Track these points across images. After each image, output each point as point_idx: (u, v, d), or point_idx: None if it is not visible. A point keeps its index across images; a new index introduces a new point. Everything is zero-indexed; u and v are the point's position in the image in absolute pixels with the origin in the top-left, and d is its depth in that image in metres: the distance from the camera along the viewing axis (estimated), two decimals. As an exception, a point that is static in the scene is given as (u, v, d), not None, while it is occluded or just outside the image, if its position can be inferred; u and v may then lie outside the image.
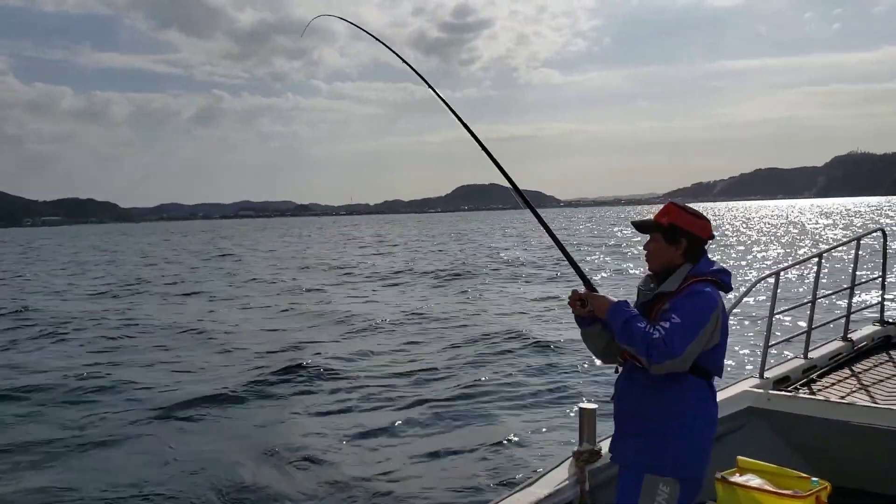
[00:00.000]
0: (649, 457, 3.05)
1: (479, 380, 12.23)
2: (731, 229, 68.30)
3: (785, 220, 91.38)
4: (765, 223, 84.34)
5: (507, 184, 3.58)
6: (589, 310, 3.15)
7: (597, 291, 3.18)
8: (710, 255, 3.26)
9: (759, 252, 37.76)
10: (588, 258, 36.19)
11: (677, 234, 3.14)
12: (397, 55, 4.12)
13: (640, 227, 3.27)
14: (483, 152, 3.62)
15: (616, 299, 3.09)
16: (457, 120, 3.74)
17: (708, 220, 3.20)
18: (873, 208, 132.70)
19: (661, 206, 3.41)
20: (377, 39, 4.21)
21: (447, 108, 3.79)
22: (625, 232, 67.07)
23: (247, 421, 9.91)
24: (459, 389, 11.48)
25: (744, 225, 79.74)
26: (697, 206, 3.37)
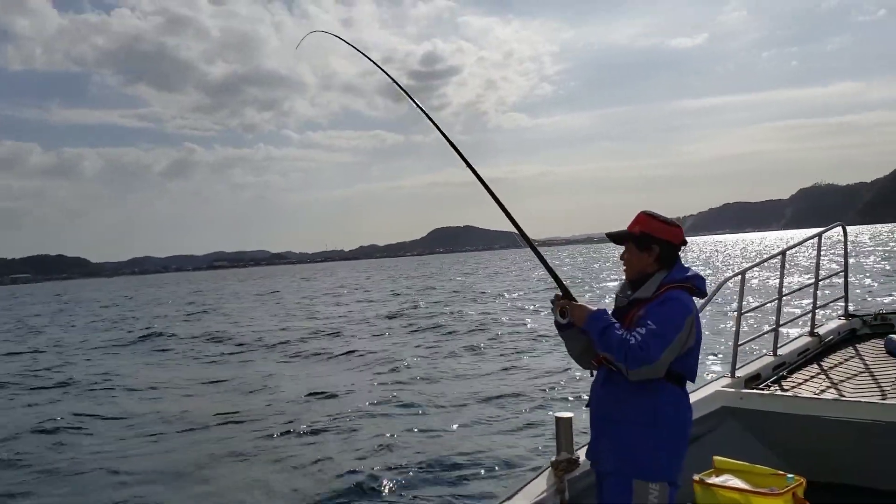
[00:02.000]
0: (634, 462, 3.07)
1: (452, 391, 12.39)
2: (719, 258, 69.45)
3: (761, 249, 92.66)
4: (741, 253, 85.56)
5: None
6: (569, 320, 3.20)
7: (576, 301, 3.22)
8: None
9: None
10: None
11: (649, 241, 3.21)
12: (390, 77, 4.14)
13: (615, 238, 3.35)
14: (481, 185, 3.59)
15: (595, 308, 3.13)
16: (457, 154, 3.71)
17: (679, 227, 3.26)
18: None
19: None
20: (377, 65, 4.26)
21: (447, 142, 3.78)
22: (605, 265, 68.40)
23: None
24: (433, 402, 11.58)
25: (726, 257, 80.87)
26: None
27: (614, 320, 3.10)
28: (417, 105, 3.94)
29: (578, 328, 3.20)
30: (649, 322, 2.98)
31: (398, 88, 3.99)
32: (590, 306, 3.15)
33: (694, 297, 3.19)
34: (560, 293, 3.27)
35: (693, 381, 3.30)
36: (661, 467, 3.06)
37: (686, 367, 3.12)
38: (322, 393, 13.48)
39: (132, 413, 12.99)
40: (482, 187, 3.56)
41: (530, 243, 3.49)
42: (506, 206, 3.52)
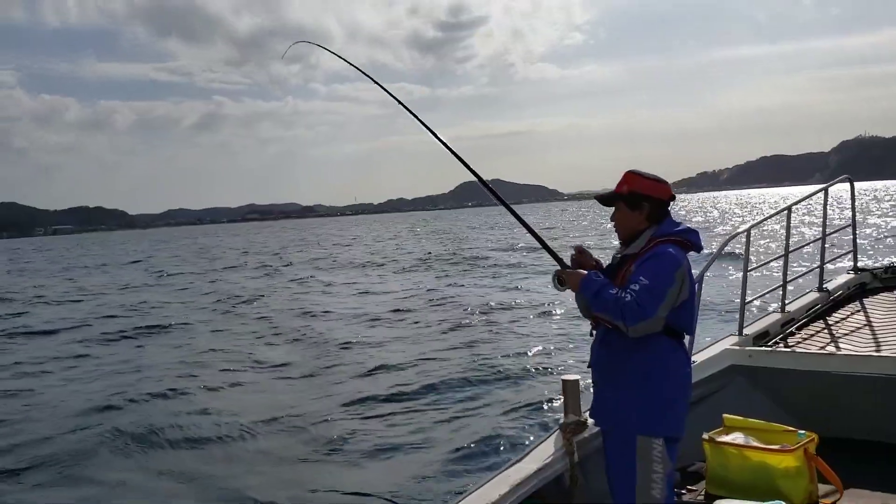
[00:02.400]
0: (636, 418, 3.10)
1: (458, 358, 12.47)
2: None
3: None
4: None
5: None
6: (566, 287, 3.25)
7: (570, 268, 3.29)
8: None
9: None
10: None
11: (639, 199, 3.21)
12: (359, 69, 4.26)
13: (604, 200, 3.35)
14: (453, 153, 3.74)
15: (587, 272, 3.18)
16: (421, 124, 3.85)
17: (666, 183, 3.27)
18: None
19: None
20: (366, 74, 4.21)
21: (412, 114, 3.91)
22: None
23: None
24: (440, 371, 11.60)
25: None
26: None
27: (606, 280, 3.11)
28: (412, 114, 3.95)
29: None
30: (641, 277, 3.01)
31: (391, 98, 3.93)
32: (581, 271, 3.19)
33: (689, 252, 3.22)
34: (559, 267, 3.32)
35: (691, 334, 3.32)
36: (662, 422, 3.10)
37: (680, 321, 3.13)
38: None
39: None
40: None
41: (521, 219, 3.58)
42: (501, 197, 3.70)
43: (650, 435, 3.07)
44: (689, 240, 3.20)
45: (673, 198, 3.28)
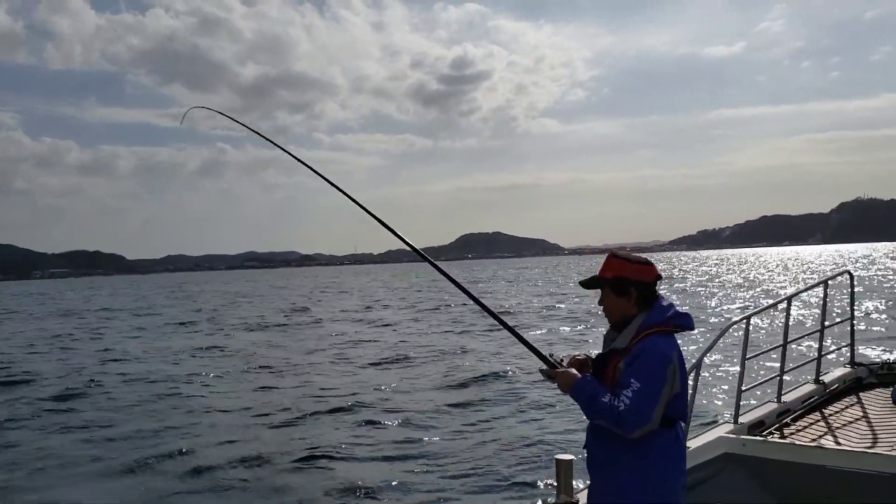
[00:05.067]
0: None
1: (453, 426, 11.96)
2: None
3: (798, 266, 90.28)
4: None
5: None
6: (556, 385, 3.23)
7: (557, 367, 3.26)
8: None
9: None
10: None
11: (625, 285, 3.20)
12: (258, 133, 4.85)
13: (588, 284, 3.35)
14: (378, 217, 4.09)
15: (578, 375, 3.16)
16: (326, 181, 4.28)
17: (651, 264, 3.25)
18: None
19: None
20: (249, 128, 4.94)
21: (315, 172, 4.35)
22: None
23: None
24: (437, 440, 11.10)
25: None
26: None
27: (597, 386, 3.09)
28: (291, 154, 4.58)
29: None
30: (633, 381, 2.98)
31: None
32: (573, 372, 3.18)
33: (678, 333, 3.18)
34: (544, 366, 3.30)
35: (685, 421, 3.29)
36: None
37: (674, 410, 3.09)
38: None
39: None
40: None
41: (500, 319, 3.56)
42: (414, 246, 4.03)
43: None
44: (679, 324, 3.17)
45: (659, 277, 3.26)
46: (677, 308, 3.19)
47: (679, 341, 3.19)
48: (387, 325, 31.09)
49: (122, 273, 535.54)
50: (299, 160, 4.34)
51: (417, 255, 3.84)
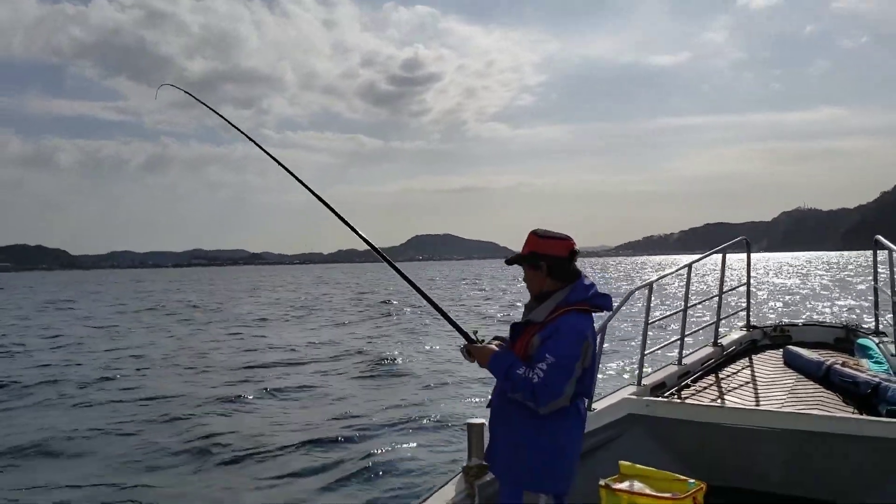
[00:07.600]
0: (523, 471, 3.15)
1: (363, 402, 12.40)
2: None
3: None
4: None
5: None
6: (473, 360, 3.29)
7: (476, 343, 3.30)
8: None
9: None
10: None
11: (536, 259, 3.25)
12: (228, 122, 4.61)
13: (510, 262, 3.40)
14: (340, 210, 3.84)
15: (496, 349, 3.22)
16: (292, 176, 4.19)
17: (565, 239, 3.28)
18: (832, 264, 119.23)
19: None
20: (221, 116, 4.74)
21: (281, 166, 4.28)
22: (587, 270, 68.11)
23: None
24: (344, 415, 11.46)
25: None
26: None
27: (514, 358, 3.13)
28: (256, 143, 4.46)
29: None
30: (548, 355, 3.02)
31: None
32: (490, 347, 3.24)
33: (596, 313, 3.26)
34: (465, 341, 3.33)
35: (589, 398, 3.39)
36: (549, 480, 3.14)
37: (580, 386, 3.14)
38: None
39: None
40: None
41: (427, 297, 3.61)
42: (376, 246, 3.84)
43: (535, 490, 3.12)
44: (595, 304, 3.22)
45: (575, 252, 3.26)
46: (597, 289, 3.26)
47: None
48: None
49: (66, 269, 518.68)
50: (270, 154, 4.38)
51: (374, 252, 3.88)
